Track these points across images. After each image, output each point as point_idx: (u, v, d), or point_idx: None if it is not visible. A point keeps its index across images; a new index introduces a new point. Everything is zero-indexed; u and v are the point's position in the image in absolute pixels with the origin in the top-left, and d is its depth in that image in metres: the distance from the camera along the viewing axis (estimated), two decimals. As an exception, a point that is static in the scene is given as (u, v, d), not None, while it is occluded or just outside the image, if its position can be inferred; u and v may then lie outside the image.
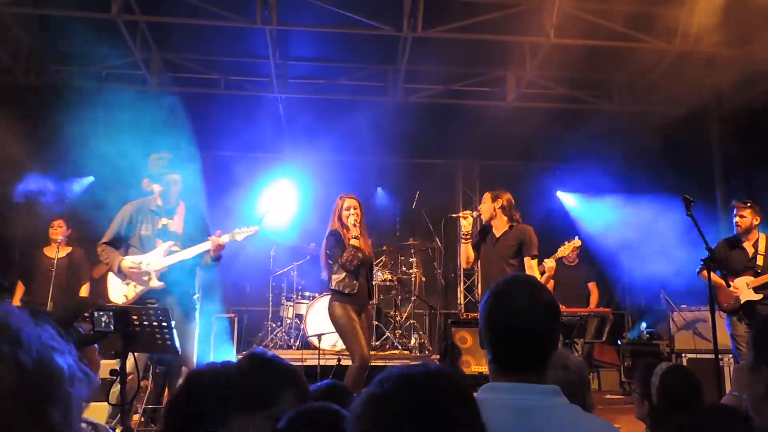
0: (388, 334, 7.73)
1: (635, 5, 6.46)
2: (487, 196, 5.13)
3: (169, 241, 4.44)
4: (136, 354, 3.81)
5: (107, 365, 3.21)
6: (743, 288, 5.33)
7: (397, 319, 7.95)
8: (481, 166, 10.09)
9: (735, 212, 5.53)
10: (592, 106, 8.37)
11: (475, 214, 5.16)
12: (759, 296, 5.30)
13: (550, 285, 8.04)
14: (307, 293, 8.06)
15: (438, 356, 7.48)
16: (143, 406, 4.48)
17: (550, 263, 5.32)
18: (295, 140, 8.54)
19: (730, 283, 5.31)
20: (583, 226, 9.42)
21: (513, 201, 5.08)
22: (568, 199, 9.84)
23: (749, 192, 8.04)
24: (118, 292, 4.42)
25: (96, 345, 2.32)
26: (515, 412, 1.47)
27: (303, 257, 8.15)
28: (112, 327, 2.38)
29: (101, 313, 2.40)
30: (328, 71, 8.28)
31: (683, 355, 6.50)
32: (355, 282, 4.87)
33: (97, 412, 4.15)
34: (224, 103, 8.40)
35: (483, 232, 5.17)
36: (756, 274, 5.36)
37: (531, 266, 4.91)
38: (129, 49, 7.27)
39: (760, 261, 5.39)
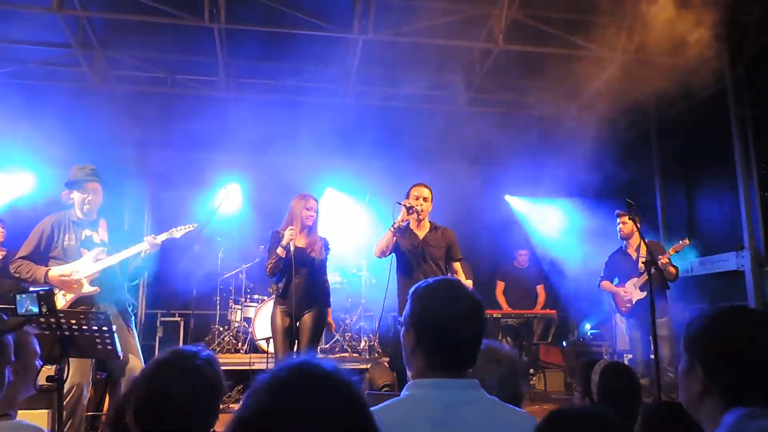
0: (337, 337, 7.70)
1: (580, 14, 6.65)
2: (429, 193, 5.05)
3: (97, 248, 4.38)
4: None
5: (46, 371, 3.09)
6: (631, 289, 5.77)
7: (347, 321, 7.93)
8: (432, 169, 10.12)
9: (618, 221, 5.90)
10: (540, 111, 8.54)
11: (415, 206, 4.85)
12: (644, 294, 5.54)
13: (500, 286, 8.20)
14: (255, 296, 7.95)
15: (387, 359, 7.48)
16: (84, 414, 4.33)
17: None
18: (244, 140, 8.40)
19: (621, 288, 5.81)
20: (530, 229, 9.61)
21: None
22: (516, 203, 10.00)
23: (687, 194, 8.37)
24: None
25: (37, 349, 2.14)
26: (441, 407, 1.55)
27: (252, 260, 8.03)
28: (37, 309, 2.25)
29: (23, 296, 2.27)
30: (277, 71, 8.18)
31: (624, 355, 6.67)
32: (281, 283, 4.87)
33: (39, 419, 4.00)
34: (171, 102, 8.19)
35: (401, 230, 4.86)
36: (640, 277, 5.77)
37: (458, 270, 4.95)
38: (69, 44, 7.03)
39: (641, 265, 5.62)
